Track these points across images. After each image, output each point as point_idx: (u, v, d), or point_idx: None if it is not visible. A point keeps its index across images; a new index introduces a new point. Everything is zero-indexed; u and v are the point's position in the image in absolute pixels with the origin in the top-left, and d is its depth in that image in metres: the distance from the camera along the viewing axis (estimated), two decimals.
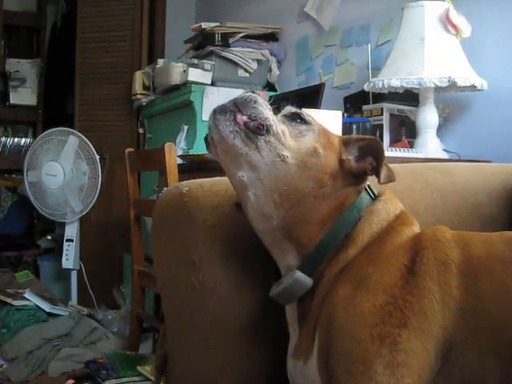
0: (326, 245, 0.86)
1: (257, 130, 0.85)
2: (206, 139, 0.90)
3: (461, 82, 1.82)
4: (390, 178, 0.89)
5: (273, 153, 0.84)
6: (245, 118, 0.85)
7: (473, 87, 1.88)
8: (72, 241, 3.06)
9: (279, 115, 0.91)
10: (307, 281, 0.86)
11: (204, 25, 2.87)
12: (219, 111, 0.87)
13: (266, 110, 0.87)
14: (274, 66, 3.02)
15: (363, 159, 0.90)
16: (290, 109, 0.93)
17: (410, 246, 0.86)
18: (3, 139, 4.22)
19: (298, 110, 0.92)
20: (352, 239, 0.87)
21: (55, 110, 4.28)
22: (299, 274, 0.85)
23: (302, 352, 0.87)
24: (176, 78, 2.84)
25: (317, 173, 0.86)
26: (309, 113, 0.94)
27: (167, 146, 2.10)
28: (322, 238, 0.86)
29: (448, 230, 0.90)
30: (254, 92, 0.90)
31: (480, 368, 0.76)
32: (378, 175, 0.88)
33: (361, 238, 0.87)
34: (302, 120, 0.90)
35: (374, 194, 0.91)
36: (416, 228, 0.91)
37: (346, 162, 0.89)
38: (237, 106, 0.86)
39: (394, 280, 0.81)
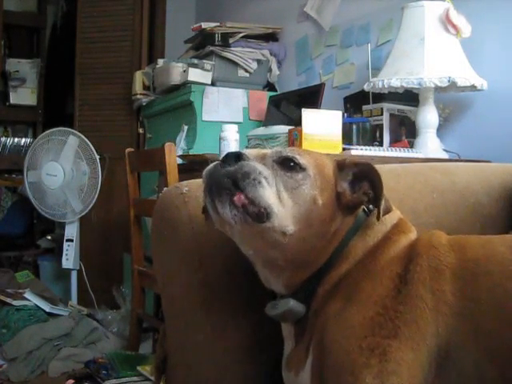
0: (322, 272, 0.86)
1: (258, 218, 0.79)
2: (204, 209, 0.87)
3: (461, 82, 1.82)
4: (388, 210, 0.87)
5: (277, 233, 0.81)
6: (243, 198, 0.78)
7: (473, 87, 1.87)
8: (72, 241, 3.06)
9: (270, 159, 0.84)
10: (300, 309, 0.86)
11: (204, 25, 2.87)
12: (216, 190, 0.79)
13: (267, 191, 0.79)
14: (274, 66, 3.02)
15: (359, 185, 0.87)
16: (280, 152, 0.85)
17: (405, 254, 0.85)
18: (3, 139, 4.22)
19: (290, 154, 0.84)
20: (345, 256, 0.86)
21: (55, 110, 4.28)
22: (293, 304, 0.86)
23: (294, 364, 0.87)
24: (176, 77, 2.84)
25: (319, 228, 0.84)
26: (300, 152, 0.86)
27: (167, 146, 2.10)
28: (319, 268, 0.86)
29: (444, 234, 0.90)
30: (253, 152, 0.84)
31: (478, 372, 0.75)
32: (377, 207, 0.85)
33: (354, 253, 0.86)
34: (296, 164, 0.83)
35: (368, 209, 0.89)
36: (413, 235, 0.90)
37: (342, 195, 0.86)
38: (235, 183, 0.78)
39: (387, 291, 0.80)
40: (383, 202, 0.85)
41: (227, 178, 0.79)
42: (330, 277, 0.86)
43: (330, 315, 0.82)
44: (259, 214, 0.78)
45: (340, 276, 0.85)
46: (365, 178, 0.87)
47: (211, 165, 0.83)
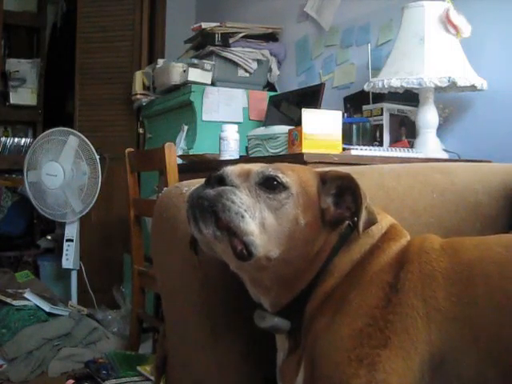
0: (308, 292, 0.86)
1: (241, 258, 0.80)
2: (191, 244, 0.88)
3: (461, 82, 1.82)
4: (371, 222, 0.85)
5: (261, 259, 0.81)
6: (227, 226, 0.79)
7: (473, 87, 1.87)
8: (72, 241, 3.06)
9: (252, 180, 0.83)
10: (285, 325, 0.87)
11: (204, 25, 2.87)
12: (199, 212, 0.80)
13: (250, 225, 0.79)
14: (274, 66, 3.02)
15: (342, 198, 0.87)
16: (262, 173, 0.84)
17: (396, 261, 0.84)
18: (3, 139, 4.22)
19: (273, 173, 0.83)
20: (330, 272, 0.86)
21: (55, 109, 4.28)
22: (277, 320, 0.87)
23: (287, 377, 0.87)
24: (176, 77, 2.84)
25: (302, 248, 0.84)
26: (284, 169, 0.85)
27: (167, 146, 2.10)
28: (305, 288, 0.86)
29: (437, 238, 0.89)
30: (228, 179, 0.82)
31: (480, 375, 0.74)
32: (357, 221, 0.84)
33: (339, 268, 0.86)
34: (280, 184, 0.83)
35: (354, 223, 0.87)
36: (404, 240, 0.88)
37: (326, 211, 0.86)
38: (216, 213, 0.79)
39: (376, 301, 0.80)
40: (364, 215, 0.83)
41: (207, 201, 0.79)
42: (317, 294, 0.85)
43: (320, 329, 0.82)
44: (241, 255, 0.79)
45: (327, 292, 0.85)
46: (347, 190, 0.86)
47: (194, 187, 0.84)
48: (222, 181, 0.82)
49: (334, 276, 0.85)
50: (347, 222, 0.88)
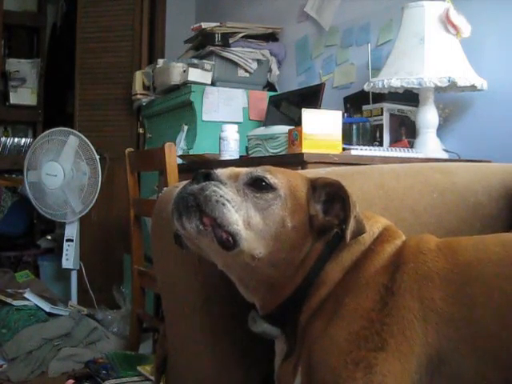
0: (299, 300, 0.86)
1: (225, 247, 0.79)
2: (176, 238, 0.87)
3: (461, 82, 1.82)
4: (360, 232, 0.85)
5: (245, 256, 0.81)
6: (210, 220, 0.79)
7: (473, 87, 1.88)
8: (72, 241, 3.06)
9: (241, 181, 0.83)
10: (274, 332, 0.88)
11: (204, 25, 2.87)
12: (183, 207, 0.80)
13: (232, 214, 0.79)
14: (274, 66, 3.02)
15: (332, 206, 0.86)
16: (251, 173, 0.84)
17: (392, 263, 0.84)
18: (3, 139, 4.22)
19: (261, 174, 0.84)
20: (322, 281, 0.86)
21: (55, 109, 4.28)
22: (266, 326, 0.88)
23: (284, 383, 0.87)
24: (176, 77, 2.84)
25: (288, 253, 0.84)
26: (273, 171, 0.85)
27: (167, 146, 2.10)
28: (293, 294, 0.86)
29: (433, 238, 0.88)
30: (211, 175, 0.82)
31: (479, 375, 0.74)
32: (345, 230, 0.83)
33: (331, 276, 0.86)
34: (268, 185, 0.83)
35: (342, 230, 0.86)
36: (399, 241, 0.88)
37: (314, 218, 0.85)
38: (200, 206, 0.79)
39: (372, 304, 0.79)
40: (352, 225, 0.83)
41: (192, 196, 0.79)
42: (310, 303, 0.85)
43: (316, 334, 0.82)
44: (226, 243, 0.79)
45: (321, 300, 0.85)
46: (337, 198, 0.86)
47: (182, 183, 0.84)
48: (208, 176, 0.82)
49: (326, 284, 0.85)
50: (335, 230, 0.87)
